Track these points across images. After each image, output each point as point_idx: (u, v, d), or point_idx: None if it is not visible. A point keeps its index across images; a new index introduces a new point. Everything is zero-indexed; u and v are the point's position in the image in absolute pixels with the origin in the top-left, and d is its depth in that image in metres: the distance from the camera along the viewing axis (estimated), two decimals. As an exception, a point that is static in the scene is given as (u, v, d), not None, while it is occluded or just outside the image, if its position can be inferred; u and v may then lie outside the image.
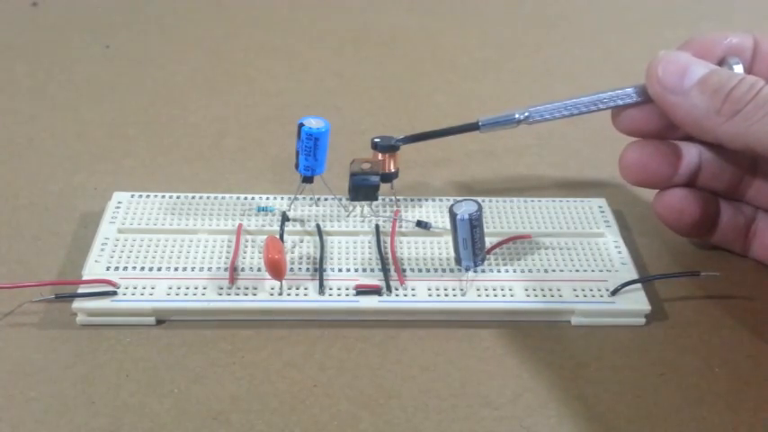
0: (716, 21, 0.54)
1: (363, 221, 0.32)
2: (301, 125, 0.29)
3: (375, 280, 0.29)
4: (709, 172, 0.30)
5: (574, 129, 0.41)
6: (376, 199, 0.31)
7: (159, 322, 0.28)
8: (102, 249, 0.30)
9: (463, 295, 0.29)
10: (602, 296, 0.29)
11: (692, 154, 0.30)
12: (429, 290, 0.29)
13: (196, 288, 0.28)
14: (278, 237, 0.30)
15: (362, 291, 0.29)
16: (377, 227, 0.31)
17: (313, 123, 0.29)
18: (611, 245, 0.31)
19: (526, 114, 0.30)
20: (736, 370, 0.27)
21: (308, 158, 0.29)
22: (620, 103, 0.30)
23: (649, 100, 0.29)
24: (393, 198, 0.33)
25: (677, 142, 0.30)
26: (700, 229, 0.31)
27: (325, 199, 0.33)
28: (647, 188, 0.31)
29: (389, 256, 0.30)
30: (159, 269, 0.29)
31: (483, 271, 0.30)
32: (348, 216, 0.32)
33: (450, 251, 0.30)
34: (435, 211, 0.33)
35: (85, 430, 0.24)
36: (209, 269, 0.29)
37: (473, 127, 0.31)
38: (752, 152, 0.26)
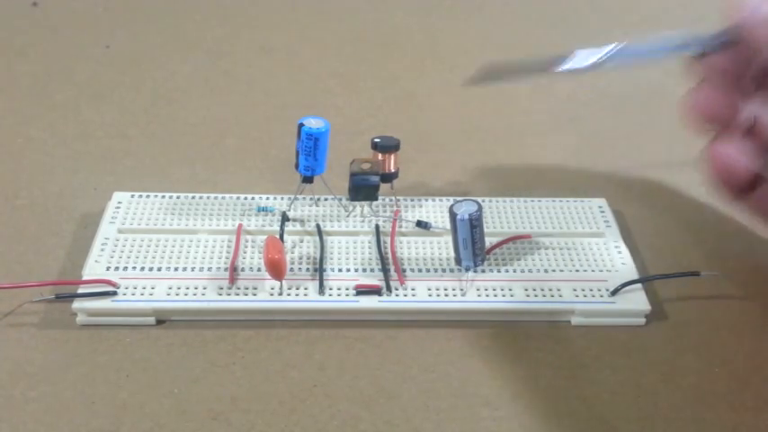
0: (716, 21, 0.54)
1: (363, 221, 0.32)
2: (301, 125, 0.29)
3: (375, 280, 0.29)
4: None
5: (574, 128, 0.41)
6: (376, 199, 0.31)
7: (159, 322, 0.28)
8: (102, 249, 0.30)
9: (463, 295, 0.29)
10: (602, 296, 0.29)
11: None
12: (429, 290, 0.29)
13: (196, 288, 0.28)
14: (278, 237, 0.30)
15: (362, 291, 0.29)
16: (377, 227, 0.31)
17: (313, 123, 0.29)
18: (611, 245, 0.31)
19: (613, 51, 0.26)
20: (736, 370, 0.27)
21: (308, 158, 0.29)
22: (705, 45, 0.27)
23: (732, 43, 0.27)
24: (393, 198, 0.33)
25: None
26: (743, 187, 0.28)
27: (326, 199, 0.33)
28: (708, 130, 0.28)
29: (389, 256, 0.30)
30: (159, 269, 0.29)
31: (483, 271, 0.30)
32: (348, 216, 0.32)
33: (450, 251, 0.30)
34: (435, 211, 0.33)
35: (85, 430, 0.24)
36: (209, 269, 0.29)
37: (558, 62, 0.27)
38: None
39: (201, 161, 0.37)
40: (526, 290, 0.29)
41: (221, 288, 0.28)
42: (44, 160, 0.37)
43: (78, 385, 0.26)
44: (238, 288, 0.29)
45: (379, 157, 0.31)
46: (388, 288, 0.29)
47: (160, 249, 0.30)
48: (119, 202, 0.32)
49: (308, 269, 0.30)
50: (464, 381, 0.27)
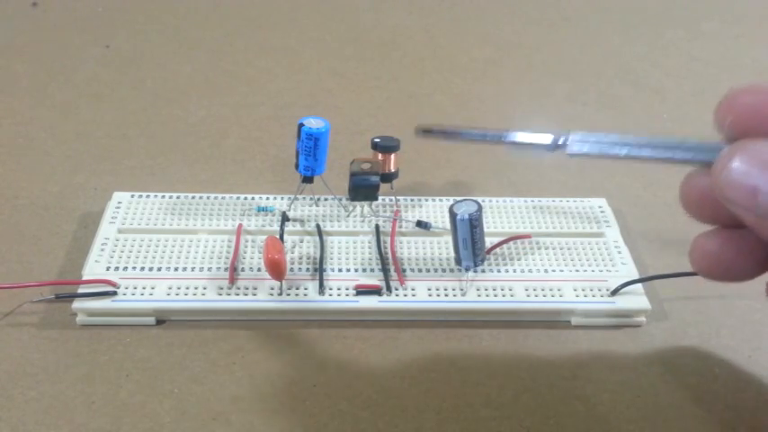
0: (716, 21, 0.54)
1: (363, 221, 0.32)
2: (301, 125, 0.29)
3: (375, 280, 0.29)
4: None
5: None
6: (376, 199, 0.31)
7: (159, 322, 0.28)
8: (102, 249, 0.30)
9: (463, 295, 0.29)
10: (602, 296, 0.29)
11: None
12: (429, 290, 0.29)
13: (196, 288, 0.28)
14: (278, 237, 0.30)
15: (362, 291, 0.29)
16: (377, 227, 0.31)
17: (313, 123, 0.29)
18: (611, 245, 0.31)
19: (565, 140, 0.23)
20: (736, 370, 0.27)
21: (308, 158, 0.29)
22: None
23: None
24: (393, 198, 0.33)
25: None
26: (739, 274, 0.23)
27: (326, 199, 0.33)
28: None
29: (389, 256, 0.30)
30: (159, 269, 0.29)
31: (483, 271, 0.30)
32: (348, 216, 0.32)
33: (450, 251, 0.30)
34: (435, 211, 0.33)
35: (85, 430, 0.24)
36: (209, 269, 0.29)
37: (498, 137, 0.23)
38: None
39: (201, 161, 0.37)
40: (526, 290, 0.29)
41: (221, 288, 0.28)
42: (44, 160, 0.37)
43: (78, 385, 0.26)
44: (238, 288, 0.29)
45: (379, 157, 0.31)
46: (388, 288, 0.29)
47: (160, 249, 0.30)
48: (119, 202, 0.32)
49: (308, 269, 0.30)
50: (464, 381, 0.27)
